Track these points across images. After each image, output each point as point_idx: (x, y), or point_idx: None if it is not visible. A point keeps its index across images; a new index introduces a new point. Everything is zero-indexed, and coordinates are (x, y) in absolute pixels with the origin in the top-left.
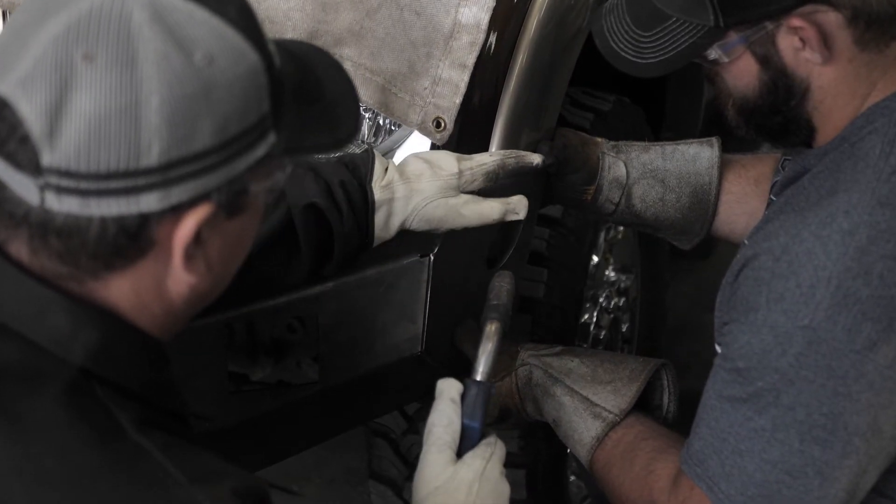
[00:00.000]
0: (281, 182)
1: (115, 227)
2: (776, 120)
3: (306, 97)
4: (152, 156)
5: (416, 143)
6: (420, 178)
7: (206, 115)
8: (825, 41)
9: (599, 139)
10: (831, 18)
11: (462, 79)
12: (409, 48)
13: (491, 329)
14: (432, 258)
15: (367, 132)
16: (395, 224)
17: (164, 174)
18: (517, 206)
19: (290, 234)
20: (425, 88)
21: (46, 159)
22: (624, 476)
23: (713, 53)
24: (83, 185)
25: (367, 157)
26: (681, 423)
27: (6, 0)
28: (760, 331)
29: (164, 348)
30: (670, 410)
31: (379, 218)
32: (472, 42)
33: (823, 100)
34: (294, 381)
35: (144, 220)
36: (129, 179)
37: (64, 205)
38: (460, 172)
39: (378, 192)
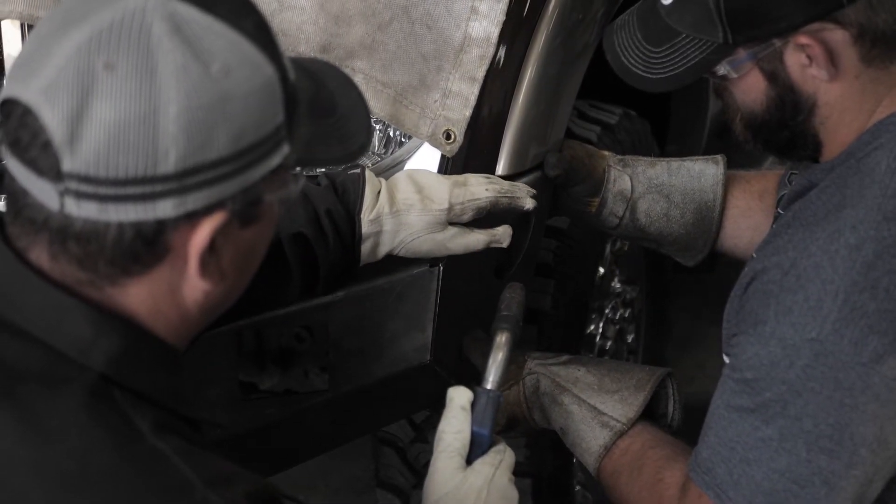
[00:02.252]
0: (294, 193)
1: (131, 232)
2: (783, 135)
3: (320, 110)
4: (169, 163)
5: (426, 155)
6: (410, 210)
7: (222, 125)
8: (832, 58)
9: (606, 153)
10: (838, 36)
11: (472, 92)
12: (420, 61)
13: (501, 339)
14: (441, 268)
15: (377, 143)
16: (381, 252)
17: (180, 181)
18: (501, 237)
19: (280, 259)
20: (436, 101)
21: (67, 165)
22: (632, 484)
23: (722, 69)
24: (102, 190)
25: (358, 182)
26: (685, 432)
27: (26, 13)
28: (769, 343)
29: (179, 356)
30: (675, 419)
31: (366, 248)
32: (482, 55)
33: (830, 115)
34: (302, 389)
35: (161, 226)
36: (147, 186)
37: (83, 210)
38: (450, 207)
39: (366, 226)
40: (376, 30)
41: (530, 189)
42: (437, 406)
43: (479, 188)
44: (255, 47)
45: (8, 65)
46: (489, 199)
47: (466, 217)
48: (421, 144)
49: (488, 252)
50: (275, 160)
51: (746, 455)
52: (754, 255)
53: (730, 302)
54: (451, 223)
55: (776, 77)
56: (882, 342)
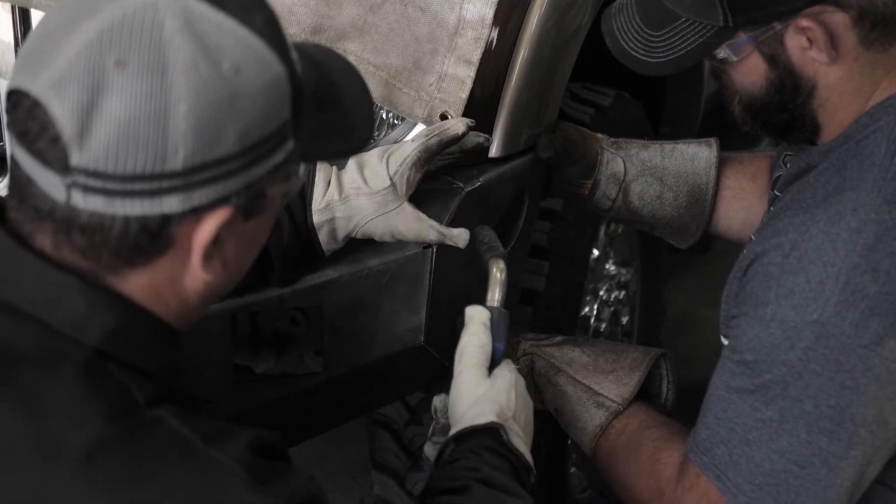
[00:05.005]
0: (296, 186)
1: (137, 226)
2: (782, 117)
3: (324, 103)
4: (177, 160)
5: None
6: (358, 194)
7: (230, 123)
8: (832, 41)
9: (600, 135)
10: (838, 19)
11: (468, 74)
12: (414, 44)
13: (498, 264)
14: (434, 250)
15: None
16: (340, 237)
17: (187, 178)
18: (456, 238)
19: None
20: (431, 85)
21: (75, 159)
22: (629, 465)
23: (722, 52)
24: (109, 185)
25: (308, 173)
26: (679, 413)
27: None
28: (770, 325)
29: (177, 334)
30: (669, 399)
31: (323, 235)
32: (477, 38)
33: (829, 98)
34: (297, 372)
35: (166, 220)
36: (154, 182)
37: (89, 203)
38: (392, 182)
39: (317, 216)
40: (368, 11)
41: (463, 119)
42: (431, 387)
43: (405, 146)
44: (264, 44)
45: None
46: (418, 150)
47: (414, 179)
48: (414, 126)
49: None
50: (279, 156)
51: (746, 436)
52: (753, 238)
53: (728, 284)
54: (410, 200)
55: (776, 60)
56: (883, 324)
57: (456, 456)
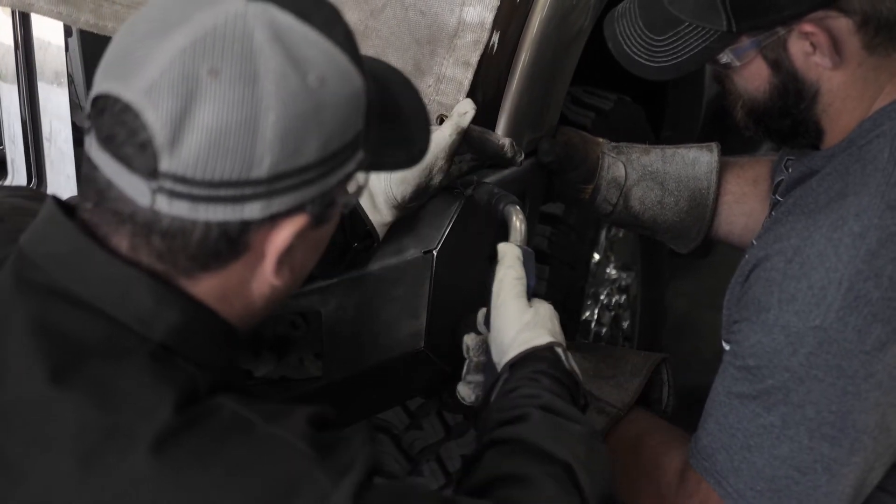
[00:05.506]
0: (359, 194)
1: (217, 231)
2: (785, 122)
3: (387, 115)
4: (263, 168)
5: None
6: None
7: (314, 133)
8: (836, 46)
9: (601, 139)
10: (842, 24)
11: (466, 77)
12: (414, 46)
13: (516, 209)
14: (435, 254)
15: None
16: (381, 202)
17: (270, 185)
18: (463, 107)
19: None
20: (429, 86)
21: (165, 165)
22: (629, 470)
23: (725, 57)
24: (195, 191)
25: None
26: (680, 418)
27: (17, 0)
28: (772, 330)
29: (237, 333)
30: (669, 404)
31: (364, 202)
32: (477, 41)
33: (832, 103)
34: (297, 376)
35: (245, 226)
36: (239, 189)
37: (174, 208)
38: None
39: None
40: (369, 16)
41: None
42: (431, 392)
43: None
44: (346, 57)
45: None
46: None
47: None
48: None
49: (483, 237)
50: (351, 165)
51: (747, 442)
52: (755, 243)
53: (730, 289)
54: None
55: (779, 65)
56: (885, 330)
57: (513, 385)
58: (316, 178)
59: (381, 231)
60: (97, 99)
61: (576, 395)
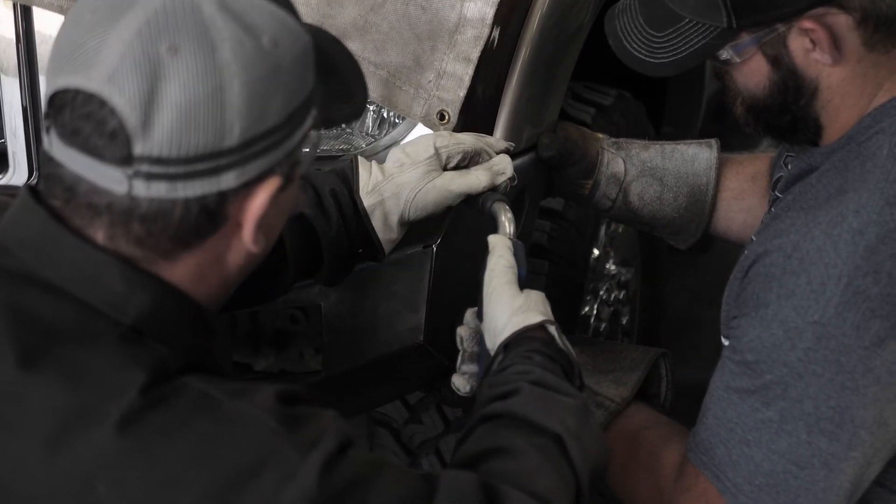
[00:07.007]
0: (315, 152)
1: (197, 207)
2: (785, 119)
3: (326, 71)
4: (234, 136)
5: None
6: (402, 170)
7: (276, 94)
8: (835, 43)
9: (600, 135)
10: (841, 21)
11: (466, 72)
12: (414, 42)
13: (503, 206)
14: (435, 249)
15: (371, 125)
16: (394, 222)
17: (242, 152)
18: (502, 166)
19: (276, 245)
20: (430, 81)
21: (139, 149)
22: (627, 464)
23: (725, 54)
24: (172, 169)
25: (352, 167)
26: (678, 413)
27: None
28: (771, 325)
29: (211, 319)
30: (667, 399)
31: (377, 222)
32: (477, 36)
33: (832, 99)
34: (296, 370)
35: (223, 197)
36: (214, 160)
37: (152, 190)
38: (436, 152)
39: (367, 200)
40: (369, 11)
41: (503, 142)
42: (431, 386)
43: (465, 136)
44: (290, 17)
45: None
46: (473, 145)
47: (454, 161)
48: (415, 125)
49: (482, 232)
50: (308, 122)
51: (746, 436)
52: (754, 238)
53: (729, 285)
54: (446, 169)
55: (779, 61)
56: (884, 326)
57: (506, 363)
58: (282, 139)
59: (387, 248)
60: (55, 95)
61: (570, 373)
